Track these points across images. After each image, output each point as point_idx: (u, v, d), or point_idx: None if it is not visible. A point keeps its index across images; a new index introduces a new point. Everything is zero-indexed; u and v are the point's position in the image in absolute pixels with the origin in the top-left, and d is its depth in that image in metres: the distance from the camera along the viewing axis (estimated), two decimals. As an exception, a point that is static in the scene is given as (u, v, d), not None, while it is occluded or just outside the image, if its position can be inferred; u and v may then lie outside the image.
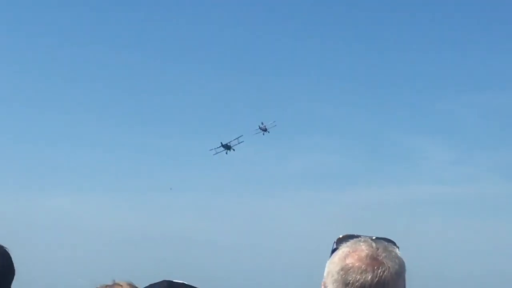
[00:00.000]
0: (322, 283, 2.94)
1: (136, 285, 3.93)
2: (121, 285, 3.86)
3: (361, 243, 2.95)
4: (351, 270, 2.86)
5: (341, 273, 2.87)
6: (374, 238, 3.02)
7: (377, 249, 2.93)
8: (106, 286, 3.85)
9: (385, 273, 2.86)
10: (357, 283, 2.84)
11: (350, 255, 2.91)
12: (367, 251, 2.91)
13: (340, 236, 3.08)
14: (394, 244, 3.02)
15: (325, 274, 2.92)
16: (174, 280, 3.14)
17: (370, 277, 2.85)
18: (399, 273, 2.92)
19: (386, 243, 3.00)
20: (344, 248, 2.96)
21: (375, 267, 2.87)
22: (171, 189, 79.92)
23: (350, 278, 2.84)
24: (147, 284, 3.20)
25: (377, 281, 2.85)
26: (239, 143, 65.62)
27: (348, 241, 3.01)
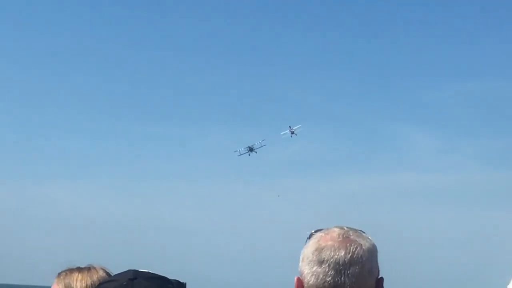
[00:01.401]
0: (296, 277, 2.99)
1: (109, 271, 3.99)
2: (95, 269, 3.97)
3: (332, 228, 3.05)
4: (324, 249, 2.94)
5: (315, 253, 2.94)
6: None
7: (349, 230, 3.03)
8: (78, 267, 3.93)
9: (357, 249, 2.94)
10: (332, 259, 2.91)
11: (323, 238, 2.99)
12: (338, 232, 3.00)
13: (313, 231, 3.15)
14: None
15: (300, 260, 2.99)
16: (139, 270, 3.09)
17: (343, 253, 2.92)
18: (371, 251, 2.99)
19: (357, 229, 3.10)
20: (317, 234, 3.04)
21: (348, 244, 2.95)
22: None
23: (324, 256, 2.92)
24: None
25: (350, 256, 2.92)
26: (261, 146, 71.42)
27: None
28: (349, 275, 2.89)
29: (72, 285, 3.84)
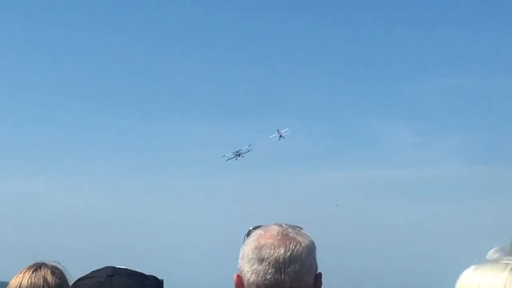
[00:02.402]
0: (236, 275, 3.02)
1: (61, 267, 4.09)
2: (46, 266, 4.09)
3: (272, 225, 3.09)
4: (264, 246, 2.98)
5: (255, 251, 2.98)
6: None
7: (287, 228, 3.07)
8: (29, 267, 4.06)
9: (297, 247, 2.98)
10: (272, 257, 2.94)
11: (262, 236, 3.03)
12: (277, 229, 3.04)
13: (251, 228, 3.18)
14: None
15: (239, 258, 3.04)
16: (117, 266, 3.10)
17: (283, 250, 2.96)
18: (310, 248, 3.03)
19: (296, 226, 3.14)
20: (256, 232, 3.08)
21: (287, 242, 2.99)
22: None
23: (264, 254, 2.96)
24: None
25: (290, 254, 2.96)
26: (248, 151, 75.43)
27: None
28: (289, 273, 2.93)
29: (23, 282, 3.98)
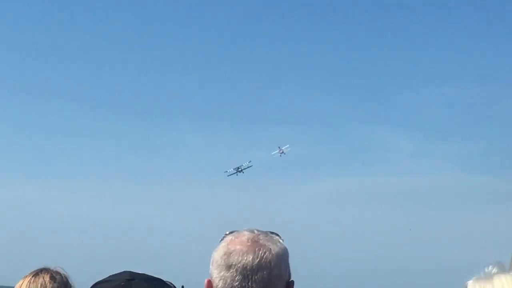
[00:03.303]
0: (207, 280, 3.00)
1: (64, 272, 4.17)
2: (48, 271, 4.16)
3: (244, 231, 3.05)
4: (233, 253, 2.94)
5: (224, 257, 2.95)
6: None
7: (259, 234, 3.02)
8: (31, 272, 4.16)
9: (266, 254, 2.93)
10: (239, 264, 2.91)
11: (232, 241, 3.00)
12: (248, 236, 3.00)
13: (227, 233, 3.20)
14: (279, 236, 3.09)
15: (210, 264, 3.01)
16: (134, 271, 3.15)
17: (251, 258, 2.92)
18: (281, 255, 2.98)
19: (269, 232, 3.09)
20: (227, 237, 3.05)
21: (256, 249, 2.95)
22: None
23: (232, 260, 2.92)
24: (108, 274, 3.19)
25: (258, 261, 2.92)
26: (248, 167, 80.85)
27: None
28: (256, 280, 2.89)
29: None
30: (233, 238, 3.00)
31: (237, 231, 3.05)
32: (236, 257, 2.93)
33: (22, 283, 4.10)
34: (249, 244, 2.95)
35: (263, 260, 2.91)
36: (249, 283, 2.89)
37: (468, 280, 4.41)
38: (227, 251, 2.96)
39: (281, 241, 3.02)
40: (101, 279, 3.16)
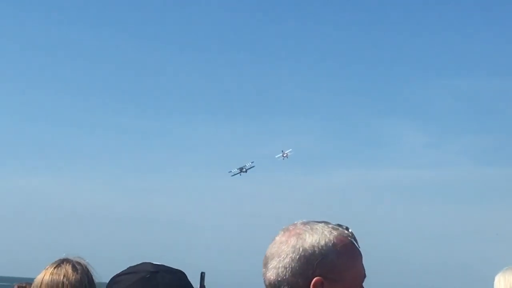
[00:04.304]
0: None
1: (85, 262, 4.16)
2: (69, 261, 4.12)
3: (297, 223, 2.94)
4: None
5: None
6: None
7: (297, 223, 2.92)
8: (53, 263, 4.11)
9: (282, 244, 2.85)
10: (266, 253, 2.89)
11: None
12: (288, 226, 2.92)
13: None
14: (345, 229, 2.92)
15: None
16: (154, 263, 3.10)
17: (270, 246, 2.89)
18: (304, 247, 2.83)
19: (335, 224, 2.93)
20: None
21: (278, 237, 2.88)
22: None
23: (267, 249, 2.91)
24: (126, 266, 3.14)
25: (275, 250, 2.86)
26: (251, 167, 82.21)
27: None
28: (270, 269, 2.84)
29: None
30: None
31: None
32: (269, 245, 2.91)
33: (44, 275, 4.09)
34: (281, 233, 2.90)
35: (279, 248, 2.85)
36: (266, 272, 2.86)
37: (496, 274, 4.83)
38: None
39: (326, 233, 2.85)
40: (120, 271, 3.13)
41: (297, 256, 2.82)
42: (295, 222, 2.93)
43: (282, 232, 2.90)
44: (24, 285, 8.17)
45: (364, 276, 2.89)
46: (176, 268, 3.13)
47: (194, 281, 5.86)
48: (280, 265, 2.82)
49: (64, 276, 4.04)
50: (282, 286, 2.81)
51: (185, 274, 3.11)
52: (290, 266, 2.81)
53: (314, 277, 2.78)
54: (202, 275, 6.07)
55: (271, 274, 2.83)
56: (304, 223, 2.90)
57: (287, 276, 2.81)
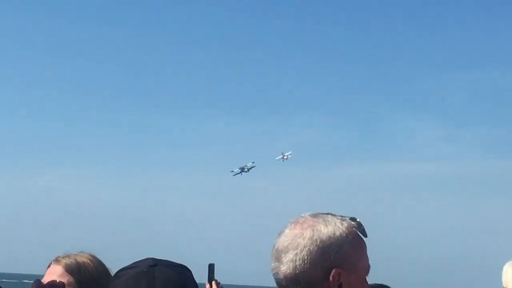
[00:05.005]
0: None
1: (99, 258, 3.85)
2: (84, 258, 3.77)
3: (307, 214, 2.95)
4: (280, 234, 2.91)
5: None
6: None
7: (308, 215, 2.91)
8: (65, 255, 3.74)
9: (297, 236, 2.83)
10: (274, 247, 2.88)
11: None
12: (297, 219, 2.91)
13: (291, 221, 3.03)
14: (351, 221, 2.93)
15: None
16: (157, 258, 3.13)
17: (284, 239, 2.87)
18: (317, 239, 2.83)
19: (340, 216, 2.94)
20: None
21: (290, 230, 2.86)
22: None
23: (275, 242, 2.89)
24: (131, 261, 3.18)
25: (288, 243, 2.84)
26: (251, 167, 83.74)
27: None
28: (286, 262, 2.82)
29: (78, 260, 3.70)
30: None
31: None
32: (277, 239, 2.89)
33: (57, 265, 3.70)
34: (291, 226, 2.89)
35: (293, 241, 2.83)
36: (280, 266, 2.84)
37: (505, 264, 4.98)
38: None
39: (339, 224, 2.86)
40: (124, 266, 3.13)
41: (315, 248, 2.80)
42: (302, 215, 2.92)
43: (292, 225, 2.89)
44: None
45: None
46: (179, 263, 3.11)
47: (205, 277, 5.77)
48: (298, 258, 2.80)
49: (83, 263, 3.72)
50: (300, 279, 2.80)
51: (187, 269, 3.13)
52: (309, 258, 2.80)
53: (332, 268, 2.79)
54: (211, 267, 5.93)
55: (287, 268, 2.81)
56: (313, 215, 2.91)
57: (305, 269, 2.79)
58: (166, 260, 3.10)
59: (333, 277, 2.78)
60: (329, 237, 2.83)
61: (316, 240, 2.82)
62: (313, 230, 2.83)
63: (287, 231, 2.87)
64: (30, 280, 3.79)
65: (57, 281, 3.60)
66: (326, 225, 2.85)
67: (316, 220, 2.87)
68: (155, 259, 3.07)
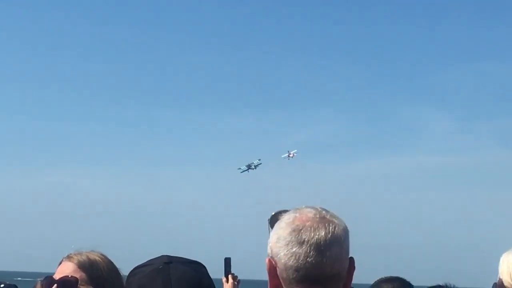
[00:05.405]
0: (268, 259, 2.96)
1: (107, 257, 3.76)
2: (95, 255, 3.73)
3: (304, 208, 2.99)
4: (303, 229, 2.90)
5: (293, 233, 2.90)
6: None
7: (322, 210, 2.98)
8: (77, 253, 3.73)
9: (336, 229, 2.91)
10: (312, 240, 2.88)
11: (297, 218, 2.94)
12: (314, 212, 2.95)
13: (273, 213, 3.12)
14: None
15: (272, 242, 2.94)
16: (172, 255, 3.17)
17: (323, 233, 2.89)
18: (347, 231, 2.97)
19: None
20: (289, 215, 2.99)
21: (326, 224, 2.91)
22: None
23: (304, 237, 2.88)
24: (146, 259, 3.19)
25: (331, 236, 2.89)
26: (258, 164, 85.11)
27: (282, 215, 3.05)
28: (330, 256, 2.88)
29: (90, 258, 3.69)
30: (298, 215, 2.95)
31: (294, 209, 3.00)
32: (308, 233, 2.89)
33: (69, 262, 3.68)
34: (317, 219, 2.92)
35: (334, 234, 2.89)
36: (323, 259, 2.87)
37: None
38: (295, 227, 2.91)
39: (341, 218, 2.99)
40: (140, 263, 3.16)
41: (348, 238, 2.95)
42: (304, 208, 2.98)
43: (317, 218, 2.92)
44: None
45: None
46: (194, 259, 3.14)
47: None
48: (343, 250, 2.92)
49: (96, 260, 3.70)
50: (341, 271, 2.92)
51: (202, 265, 3.15)
52: (347, 249, 2.94)
53: (348, 257, 2.96)
54: (227, 261, 5.89)
55: (335, 261, 2.88)
56: (322, 209, 2.97)
57: (346, 260, 2.94)
58: (181, 257, 3.12)
59: (351, 263, 2.95)
60: (347, 229, 2.97)
61: (347, 233, 2.95)
62: (337, 221, 2.94)
63: (313, 224, 2.91)
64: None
65: (70, 276, 3.60)
66: (340, 219, 2.97)
67: (330, 213, 2.96)
68: (170, 256, 3.10)
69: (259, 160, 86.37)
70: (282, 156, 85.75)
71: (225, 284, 5.82)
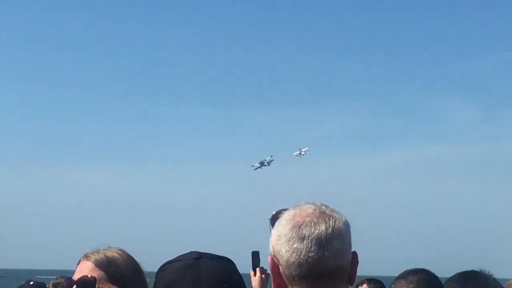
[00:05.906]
0: (270, 257, 2.97)
1: (127, 253, 3.70)
2: (113, 252, 3.71)
3: (304, 204, 3.01)
4: (303, 225, 2.91)
5: (294, 230, 2.91)
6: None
7: (322, 205, 2.99)
8: (94, 251, 3.71)
9: (336, 223, 2.93)
10: (313, 235, 2.89)
11: (298, 214, 2.96)
12: (313, 207, 2.97)
13: (274, 213, 3.14)
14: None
15: (273, 240, 2.96)
16: (201, 251, 3.20)
17: (324, 227, 2.90)
18: (347, 224, 2.98)
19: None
20: (289, 212, 3.00)
21: (326, 219, 2.93)
22: None
23: (305, 232, 2.90)
24: (174, 255, 3.23)
25: (331, 230, 2.91)
26: (271, 161, 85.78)
27: (283, 213, 3.07)
28: (332, 249, 2.89)
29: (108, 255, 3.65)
30: (297, 211, 2.97)
31: (294, 205, 3.01)
32: (308, 229, 2.90)
33: (87, 261, 3.66)
34: (317, 214, 2.94)
35: (335, 229, 2.91)
36: (325, 253, 2.88)
37: None
38: (295, 223, 2.92)
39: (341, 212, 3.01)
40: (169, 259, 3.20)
41: (349, 232, 2.96)
42: (304, 204, 3.00)
43: (317, 213, 2.94)
44: (59, 280, 7.71)
45: None
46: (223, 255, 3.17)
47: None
48: (345, 244, 2.92)
49: (114, 257, 3.68)
50: (343, 264, 2.92)
51: (231, 261, 3.18)
52: (349, 242, 2.95)
53: (351, 251, 2.96)
54: (254, 255, 5.84)
55: (336, 254, 2.88)
56: (321, 204, 2.99)
57: (348, 254, 2.94)
58: (210, 253, 3.16)
59: (353, 257, 2.96)
60: (348, 223, 2.98)
61: (348, 226, 2.96)
62: (338, 215, 2.95)
63: (313, 219, 2.92)
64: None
65: (89, 276, 3.60)
66: (340, 213, 2.99)
67: (329, 208, 2.98)
68: (199, 252, 3.14)
69: (271, 156, 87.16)
70: (294, 153, 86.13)
71: (253, 278, 5.79)
